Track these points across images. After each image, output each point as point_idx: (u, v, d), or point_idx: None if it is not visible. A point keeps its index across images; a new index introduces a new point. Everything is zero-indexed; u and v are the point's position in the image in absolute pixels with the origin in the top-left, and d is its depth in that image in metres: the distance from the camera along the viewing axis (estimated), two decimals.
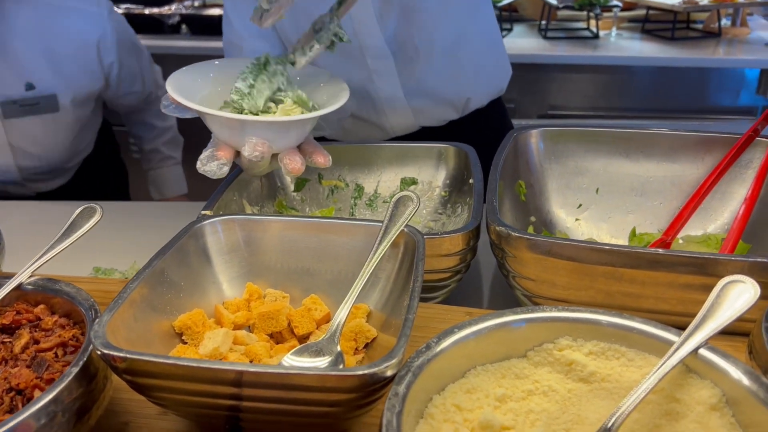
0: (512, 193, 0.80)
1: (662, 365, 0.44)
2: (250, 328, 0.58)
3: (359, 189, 0.88)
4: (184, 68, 0.73)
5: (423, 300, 0.67)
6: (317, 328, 0.58)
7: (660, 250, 0.56)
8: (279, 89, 0.71)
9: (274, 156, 0.68)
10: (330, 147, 0.89)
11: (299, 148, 0.69)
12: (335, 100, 0.70)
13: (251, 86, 0.69)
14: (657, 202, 0.82)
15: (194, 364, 0.42)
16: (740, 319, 0.47)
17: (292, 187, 0.88)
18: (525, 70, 1.98)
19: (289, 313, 0.57)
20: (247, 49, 0.94)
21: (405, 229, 0.58)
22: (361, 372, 0.42)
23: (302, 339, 0.57)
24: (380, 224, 0.58)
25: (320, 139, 1.09)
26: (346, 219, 0.61)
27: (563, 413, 0.46)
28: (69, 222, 0.59)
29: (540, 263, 0.60)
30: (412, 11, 0.89)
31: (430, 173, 0.87)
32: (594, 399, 0.47)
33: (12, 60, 1.19)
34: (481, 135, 0.96)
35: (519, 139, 0.83)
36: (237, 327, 0.57)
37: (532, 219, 0.81)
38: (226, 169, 0.66)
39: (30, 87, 1.22)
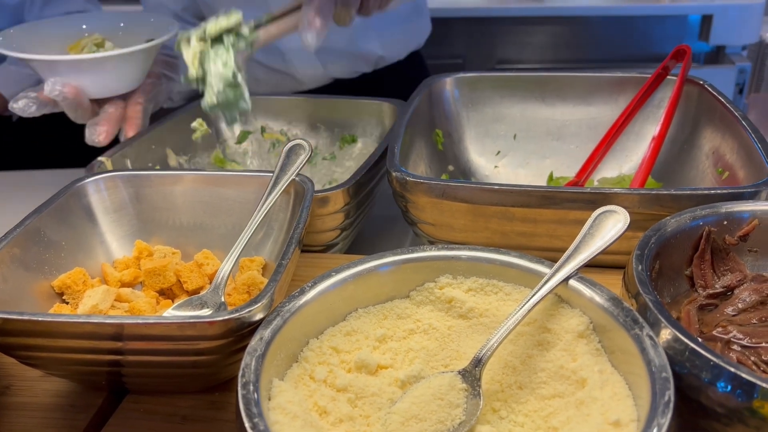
0: (429, 143, 0.80)
1: (531, 297, 0.44)
2: (141, 287, 0.57)
3: None
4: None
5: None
6: (209, 283, 0.57)
7: (546, 187, 0.56)
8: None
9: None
10: (270, 100, 0.89)
11: (128, 98, 0.71)
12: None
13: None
14: (573, 146, 0.83)
15: (50, 319, 0.41)
16: (616, 251, 0.48)
17: (235, 139, 0.88)
18: (473, 24, 1.96)
19: (177, 269, 0.56)
20: (151, 1, 0.93)
21: (296, 178, 0.58)
22: (224, 317, 0.41)
23: (193, 294, 0.56)
24: (271, 174, 0.58)
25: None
26: (238, 171, 0.60)
27: (442, 350, 0.47)
28: None
29: (437, 207, 0.60)
30: None
31: (370, 131, 0.87)
32: (473, 334, 0.47)
33: None
34: (398, 87, 0.95)
35: (434, 88, 0.82)
36: (125, 285, 0.56)
37: (450, 168, 0.81)
38: (33, 109, 0.67)
39: None
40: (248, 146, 0.88)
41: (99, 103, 0.76)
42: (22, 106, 0.68)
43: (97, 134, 0.72)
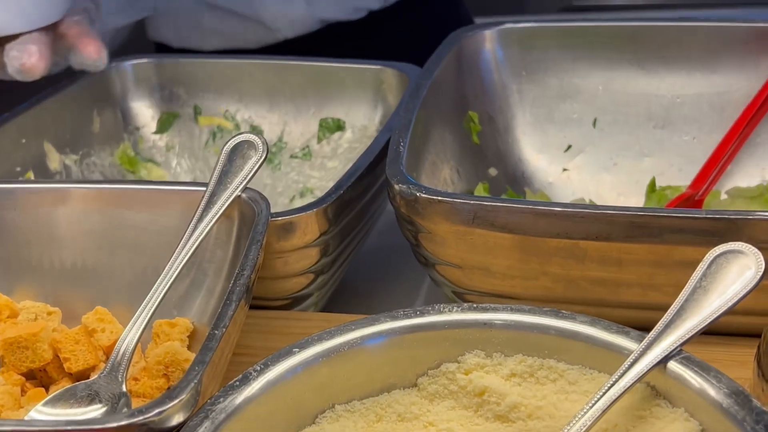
0: (458, 132, 0.81)
1: (609, 388, 0.44)
2: None
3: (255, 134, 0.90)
4: None
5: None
6: (106, 360, 0.58)
7: (637, 210, 0.57)
8: None
9: None
10: (211, 63, 0.92)
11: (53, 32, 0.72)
12: None
13: None
14: (688, 137, 0.84)
15: None
16: (744, 311, 0.48)
17: (153, 127, 0.90)
18: None
19: (55, 339, 0.57)
20: None
21: (242, 195, 0.59)
22: (120, 423, 0.42)
23: (81, 378, 0.57)
24: (204, 189, 0.59)
25: (161, 50, 1.11)
26: (150, 183, 0.62)
27: None
28: None
29: (465, 239, 0.61)
30: None
31: (365, 113, 0.88)
32: None
33: None
34: (420, 37, 0.96)
35: (465, 46, 0.84)
36: None
37: (492, 172, 0.82)
38: None
39: None
40: (174, 137, 0.90)
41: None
42: None
43: (27, 54, 0.70)
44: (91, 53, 0.73)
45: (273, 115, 0.91)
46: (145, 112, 0.91)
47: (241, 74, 0.90)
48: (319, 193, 0.85)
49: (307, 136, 0.90)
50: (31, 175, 0.78)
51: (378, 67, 0.88)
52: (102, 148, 0.87)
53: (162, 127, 0.90)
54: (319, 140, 0.89)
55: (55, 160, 0.82)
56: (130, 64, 0.90)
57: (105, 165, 0.86)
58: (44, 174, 0.80)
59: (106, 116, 0.88)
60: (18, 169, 0.78)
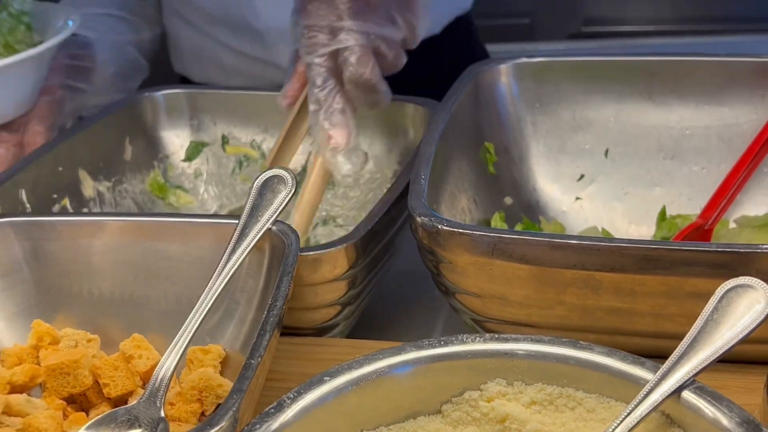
0: (475, 163, 0.83)
1: (626, 417, 0.46)
2: (41, 390, 0.60)
3: None
4: None
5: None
6: (143, 386, 0.60)
7: (650, 243, 0.58)
8: None
9: None
10: (239, 95, 0.93)
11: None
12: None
13: None
14: (698, 167, 0.85)
15: None
16: (756, 339, 0.49)
17: (182, 155, 0.92)
18: None
19: (95, 365, 0.59)
20: None
21: (273, 228, 0.60)
22: None
23: (119, 403, 0.59)
24: (236, 222, 0.61)
25: (189, 83, 1.14)
26: (187, 216, 0.63)
27: None
28: None
29: (485, 270, 0.62)
30: None
31: (385, 145, 0.90)
32: None
33: None
34: (434, 75, 0.98)
35: (482, 80, 0.85)
36: (17, 389, 0.59)
37: (507, 201, 0.84)
38: None
39: None
40: (202, 165, 0.92)
41: None
42: None
43: None
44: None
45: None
46: (174, 141, 0.92)
47: (267, 106, 0.91)
48: (342, 221, 0.87)
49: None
50: (66, 201, 0.80)
51: (398, 101, 0.88)
52: (133, 176, 0.88)
53: (190, 155, 0.92)
54: None
55: (89, 187, 0.83)
56: (161, 95, 0.92)
57: (136, 192, 0.88)
58: (79, 200, 0.82)
59: (138, 144, 0.89)
60: (54, 195, 0.79)
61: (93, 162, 0.84)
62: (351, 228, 0.84)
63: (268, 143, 0.92)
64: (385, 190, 0.85)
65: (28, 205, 0.76)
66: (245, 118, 0.92)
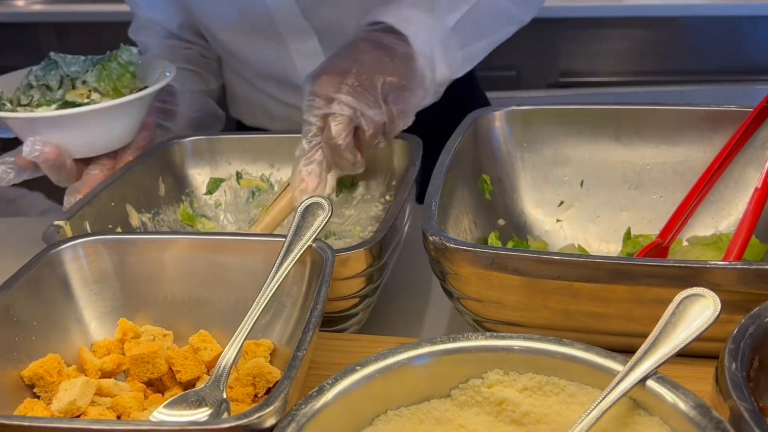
0: (474, 191, 0.83)
1: (601, 401, 0.47)
2: (125, 375, 0.61)
3: None
4: None
5: (337, 330, 0.70)
6: (207, 373, 0.61)
7: (619, 259, 0.59)
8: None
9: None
10: (249, 138, 0.94)
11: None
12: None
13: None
14: (656, 196, 0.85)
15: (24, 424, 0.45)
16: (708, 338, 0.50)
17: (203, 189, 0.93)
18: (529, 28, 2.01)
19: (169, 355, 0.60)
20: (142, 19, 0.99)
21: (312, 245, 0.62)
22: (228, 425, 0.45)
23: (188, 386, 0.60)
24: (283, 240, 0.62)
25: (240, 128, 1.15)
26: (243, 235, 0.64)
27: None
28: None
29: (484, 279, 0.63)
30: None
31: (374, 172, 0.90)
32: None
33: None
34: (442, 120, 0.99)
35: (480, 124, 0.86)
36: (107, 374, 0.60)
37: (501, 222, 0.85)
38: (12, 176, 0.75)
39: None
40: (221, 197, 0.93)
41: (85, 162, 0.82)
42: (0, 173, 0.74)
43: (77, 202, 0.77)
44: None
45: None
46: (197, 178, 0.92)
47: (272, 147, 0.92)
48: (339, 235, 0.88)
49: (328, 191, 0.90)
50: (119, 230, 0.80)
51: None
52: (167, 208, 0.88)
53: (211, 189, 0.92)
54: (338, 194, 0.90)
55: (135, 218, 0.83)
56: (189, 141, 0.92)
57: (171, 221, 0.87)
58: (127, 229, 0.82)
59: (168, 182, 0.89)
60: (110, 225, 0.79)
61: (136, 198, 0.84)
62: (349, 240, 0.87)
63: (275, 176, 0.93)
64: (373, 208, 0.89)
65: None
66: (255, 157, 0.93)
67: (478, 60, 0.94)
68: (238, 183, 0.93)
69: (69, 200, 0.79)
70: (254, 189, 0.93)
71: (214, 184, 0.92)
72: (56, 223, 0.71)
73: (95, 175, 0.80)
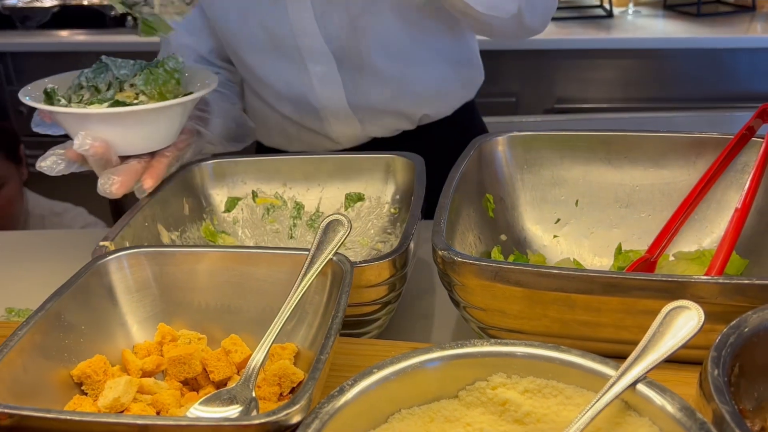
0: (479, 209, 0.84)
1: (595, 403, 0.47)
2: (163, 375, 0.62)
3: (299, 207, 0.93)
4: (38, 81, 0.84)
5: (355, 335, 0.71)
6: (238, 373, 0.62)
7: (611, 274, 0.60)
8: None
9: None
10: (262, 160, 0.95)
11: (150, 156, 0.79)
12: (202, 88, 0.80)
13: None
14: (645, 214, 0.86)
15: (75, 418, 0.46)
16: (693, 346, 0.51)
17: (222, 207, 0.93)
18: (527, 58, 2.03)
19: (204, 357, 0.61)
20: (174, 44, 1.01)
21: (333, 258, 0.63)
22: (259, 421, 0.46)
23: (220, 385, 0.61)
24: (306, 253, 0.63)
25: (260, 148, 1.15)
26: (270, 248, 0.66)
27: None
28: None
29: (488, 291, 0.64)
30: (359, 14, 0.94)
31: (378, 188, 0.91)
32: None
33: None
34: (445, 143, 1.00)
35: (484, 148, 0.87)
36: (147, 374, 0.61)
37: (503, 238, 0.85)
38: (63, 167, 0.74)
39: None
40: (238, 214, 0.93)
41: (126, 159, 0.82)
42: (50, 164, 0.75)
43: (110, 183, 0.76)
44: (145, 185, 0.80)
45: (310, 193, 0.93)
46: (216, 198, 0.92)
47: (285, 167, 0.93)
48: (349, 246, 0.89)
49: (336, 206, 0.92)
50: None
51: (389, 155, 0.90)
52: (192, 225, 0.88)
53: (229, 207, 0.92)
54: (346, 208, 0.91)
55: (165, 237, 0.83)
56: (209, 164, 0.92)
57: (195, 238, 0.87)
58: (161, 247, 0.78)
59: (191, 202, 0.89)
60: (145, 244, 0.79)
61: (165, 217, 0.84)
62: (357, 249, 0.88)
63: (288, 194, 0.93)
64: (380, 220, 0.90)
65: None
66: (269, 177, 0.93)
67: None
68: (254, 201, 0.93)
69: (105, 181, 0.77)
70: (269, 206, 0.93)
71: (232, 203, 0.93)
72: (101, 243, 0.72)
73: (133, 164, 0.79)
